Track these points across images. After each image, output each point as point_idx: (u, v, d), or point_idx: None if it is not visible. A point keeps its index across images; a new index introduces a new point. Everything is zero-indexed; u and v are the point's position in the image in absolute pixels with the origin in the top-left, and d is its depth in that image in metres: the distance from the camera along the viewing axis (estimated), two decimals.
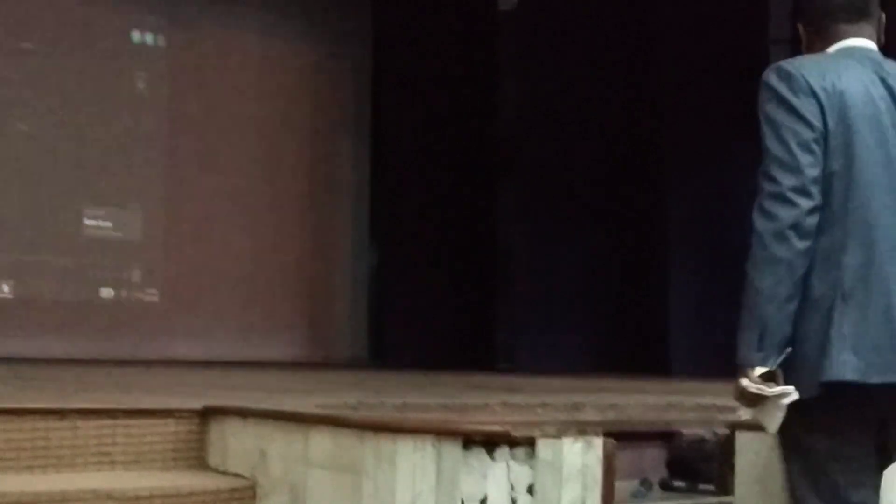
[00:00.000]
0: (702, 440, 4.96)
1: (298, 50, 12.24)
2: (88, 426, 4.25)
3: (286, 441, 4.15)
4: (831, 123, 2.49)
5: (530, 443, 3.42)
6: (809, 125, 2.48)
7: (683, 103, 11.08)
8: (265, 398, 5.47)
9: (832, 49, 2.63)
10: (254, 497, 4.20)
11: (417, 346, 11.55)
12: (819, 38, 2.65)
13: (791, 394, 2.50)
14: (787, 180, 2.46)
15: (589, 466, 3.41)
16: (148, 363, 10.34)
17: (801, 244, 2.46)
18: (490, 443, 3.44)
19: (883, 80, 2.57)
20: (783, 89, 2.51)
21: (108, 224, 11.22)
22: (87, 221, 11.17)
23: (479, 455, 3.43)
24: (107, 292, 11.20)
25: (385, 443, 3.69)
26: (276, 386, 7.29)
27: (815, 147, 2.48)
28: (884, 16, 2.67)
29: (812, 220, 2.47)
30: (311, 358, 11.94)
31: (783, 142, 2.47)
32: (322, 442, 3.99)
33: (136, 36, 11.49)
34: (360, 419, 4.01)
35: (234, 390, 6.42)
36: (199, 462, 4.42)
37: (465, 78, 12.31)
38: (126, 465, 4.27)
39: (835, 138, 2.49)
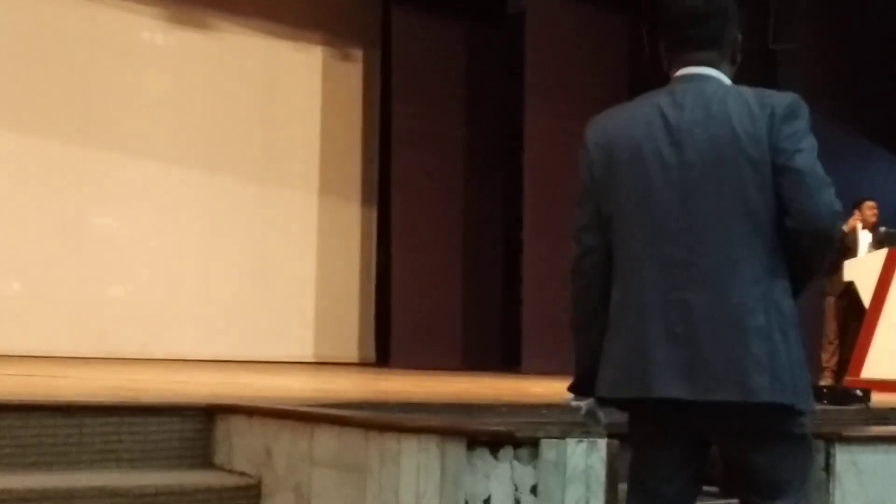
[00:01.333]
0: None
1: (306, 51, 12.26)
2: (94, 423, 4.24)
3: (291, 440, 4.15)
4: (598, 173, 2.76)
5: (534, 443, 3.42)
6: (582, 179, 2.83)
7: None
8: (271, 397, 5.47)
9: (675, 74, 2.81)
10: (259, 495, 4.19)
11: (424, 346, 11.56)
12: (673, 62, 2.82)
13: (582, 407, 2.94)
14: (572, 229, 2.87)
15: (593, 467, 3.41)
16: (155, 361, 10.37)
17: (580, 282, 2.84)
18: (494, 443, 3.43)
19: (663, 115, 2.71)
20: (581, 146, 2.85)
21: (116, 222, 11.25)
22: (95, 220, 11.20)
23: (483, 455, 3.42)
24: (115, 290, 11.23)
25: (390, 442, 3.69)
26: (282, 385, 7.29)
27: (584, 199, 2.81)
28: (740, 37, 2.80)
29: (585, 262, 2.83)
30: (319, 358, 11.96)
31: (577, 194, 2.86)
32: (327, 441, 3.99)
33: (145, 35, 11.52)
34: (365, 418, 4.01)
35: (241, 389, 6.43)
36: (205, 460, 4.41)
37: (476, 78, 12.31)
38: (132, 463, 4.26)
39: (604, 185, 2.76)
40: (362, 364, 11.99)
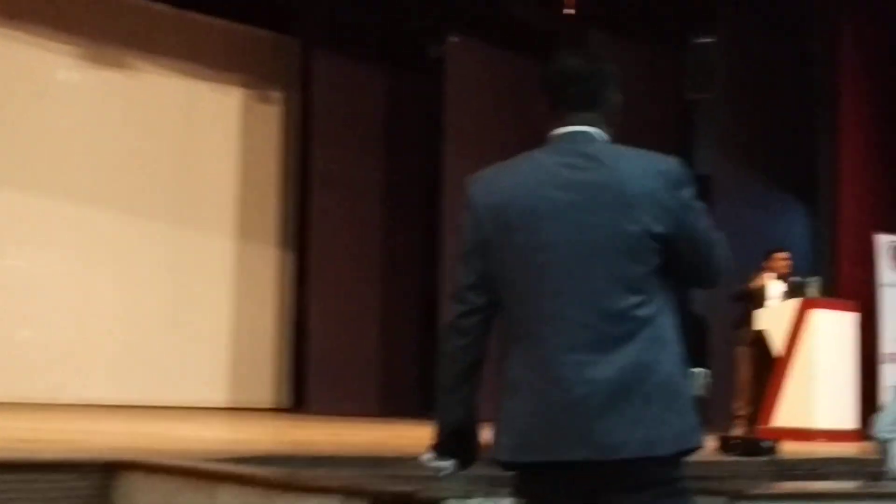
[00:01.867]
0: None
1: (225, 92, 12.17)
2: None
3: (193, 498, 4.06)
4: (490, 233, 2.70)
5: (437, 503, 3.39)
6: (466, 239, 2.77)
7: None
8: (177, 449, 5.37)
9: (554, 133, 2.81)
10: None
11: (341, 392, 11.46)
12: (554, 121, 2.83)
13: (445, 469, 2.82)
14: (455, 286, 2.77)
15: None
16: (66, 406, 10.14)
17: (459, 341, 2.73)
18: (397, 503, 3.40)
19: (555, 174, 2.71)
20: (464, 204, 2.83)
21: (27, 264, 11.03)
22: (5, 261, 10.98)
23: None
24: (24, 333, 10.99)
25: (292, 502, 3.63)
26: (191, 434, 7.17)
27: (469, 258, 2.73)
28: (620, 98, 2.84)
29: (469, 321, 2.74)
30: (233, 403, 11.79)
31: (459, 252, 2.80)
32: (229, 499, 3.92)
33: (61, 74, 11.36)
34: (266, 477, 3.94)
35: (149, 439, 6.31)
36: None
37: (396, 123, 12.32)
38: None
39: (494, 244, 2.73)
40: (278, 410, 11.85)
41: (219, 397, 11.82)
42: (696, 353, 12.44)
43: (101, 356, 11.22)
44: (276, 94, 12.49)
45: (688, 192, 2.73)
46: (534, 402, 2.68)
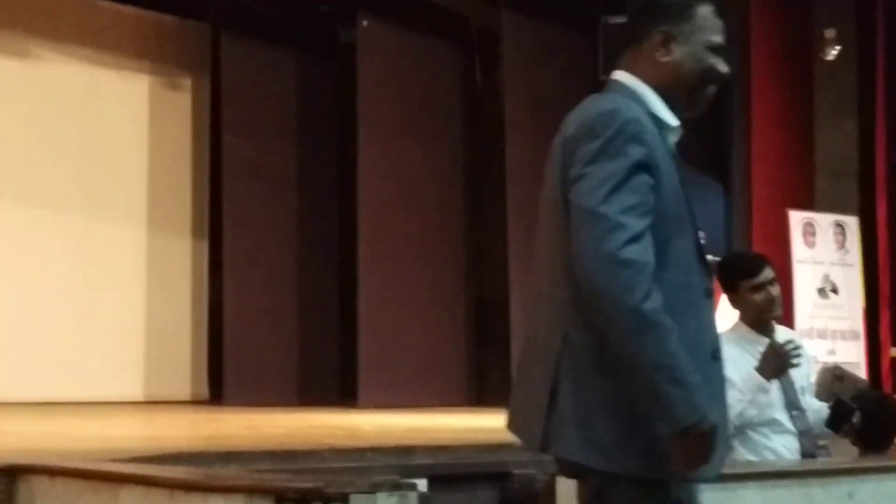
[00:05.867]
0: (533, 480, 4.93)
1: (132, 79, 11.90)
2: None
3: (94, 501, 3.94)
4: None
5: (344, 499, 3.31)
6: None
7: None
8: (84, 449, 5.23)
9: None
10: None
11: (259, 382, 11.30)
12: None
13: None
14: None
15: None
16: None
17: None
18: (303, 500, 3.33)
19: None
20: None
21: None
22: None
23: None
24: None
25: (196, 502, 3.54)
26: (100, 432, 6.99)
27: None
28: (663, 33, 2.42)
29: None
30: (149, 397, 11.58)
31: None
32: (131, 501, 3.80)
33: None
34: (169, 477, 3.83)
35: (57, 439, 6.15)
36: None
37: (309, 108, 12.16)
38: None
39: None
40: (195, 402, 11.66)
41: (134, 391, 11.60)
42: None
43: (10, 352, 10.93)
44: (185, 81, 12.24)
45: (584, 148, 2.34)
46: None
